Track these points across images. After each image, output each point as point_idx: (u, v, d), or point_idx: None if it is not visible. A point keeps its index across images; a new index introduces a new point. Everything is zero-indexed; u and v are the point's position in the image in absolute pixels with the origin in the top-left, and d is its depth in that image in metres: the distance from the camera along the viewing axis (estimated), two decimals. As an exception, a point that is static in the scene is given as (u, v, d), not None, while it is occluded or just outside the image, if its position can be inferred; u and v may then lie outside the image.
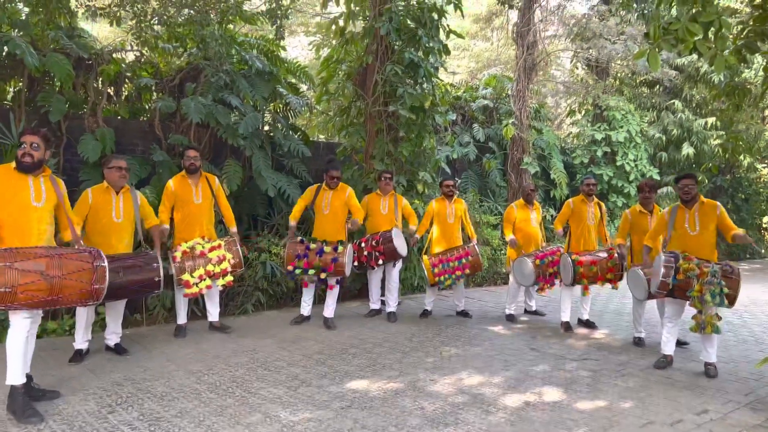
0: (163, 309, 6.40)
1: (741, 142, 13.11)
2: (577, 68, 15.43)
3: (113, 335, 5.19)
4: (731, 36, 4.39)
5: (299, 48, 17.89)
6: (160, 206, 5.76)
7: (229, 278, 5.78)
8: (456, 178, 10.91)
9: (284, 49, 9.19)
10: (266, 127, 8.54)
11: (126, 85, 7.79)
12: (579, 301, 6.79)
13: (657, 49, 3.47)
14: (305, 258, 6.11)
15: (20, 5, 6.87)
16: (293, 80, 9.29)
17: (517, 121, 11.41)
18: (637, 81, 15.16)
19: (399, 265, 6.96)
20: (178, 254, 5.51)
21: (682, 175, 5.15)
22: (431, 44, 7.94)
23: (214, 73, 7.50)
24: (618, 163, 13.00)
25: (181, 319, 5.88)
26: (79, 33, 7.10)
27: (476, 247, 6.86)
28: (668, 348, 5.15)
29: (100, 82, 7.21)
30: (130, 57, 7.90)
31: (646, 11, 12.82)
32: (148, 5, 7.50)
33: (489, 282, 9.92)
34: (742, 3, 12.06)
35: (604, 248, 6.48)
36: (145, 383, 4.38)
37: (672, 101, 14.24)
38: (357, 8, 8.11)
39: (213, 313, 6.06)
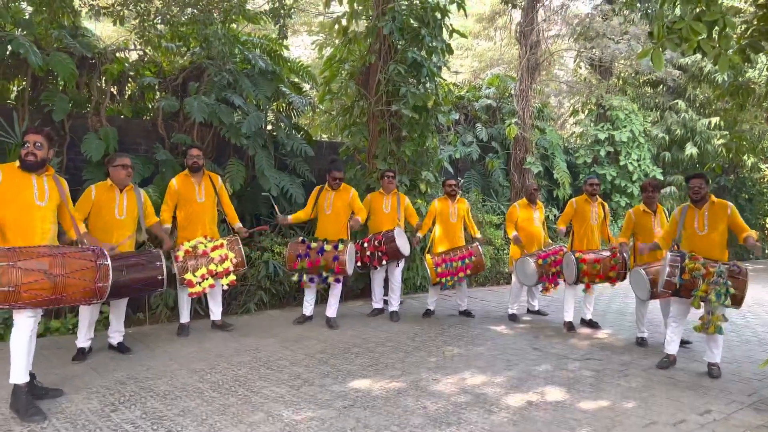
0: (166, 308, 6.41)
1: (745, 142, 13.06)
2: (581, 68, 15.41)
3: (116, 334, 5.20)
4: (735, 35, 4.39)
5: (302, 47, 17.89)
6: (163, 205, 5.77)
7: (232, 277, 5.79)
8: (459, 178, 10.91)
9: (287, 48, 9.19)
10: (269, 127, 8.54)
11: (129, 85, 7.80)
12: (582, 301, 6.78)
13: (661, 49, 3.47)
14: (307, 257, 6.11)
15: (24, 4, 6.89)
16: (296, 79, 9.30)
17: (520, 121, 11.40)
18: (641, 81, 15.12)
19: (402, 264, 6.96)
20: (180, 253, 5.52)
21: (692, 174, 5.12)
22: (434, 44, 7.93)
23: (217, 73, 7.51)
24: (621, 163, 12.98)
25: (184, 318, 5.89)
26: (83, 32, 7.11)
27: (479, 246, 6.86)
28: (672, 348, 5.14)
29: (103, 81, 7.22)
30: (134, 56, 7.91)
31: (649, 11, 12.80)
32: (151, 4, 7.51)
33: (492, 282, 9.91)
34: (746, 2, 12.02)
35: (607, 248, 6.47)
36: (148, 382, 4.38)
37: (675, 101, 14.20)
38: (360, 7, 8.11)
39: (216, 312, 6.07)
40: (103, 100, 7.02)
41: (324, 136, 11.58)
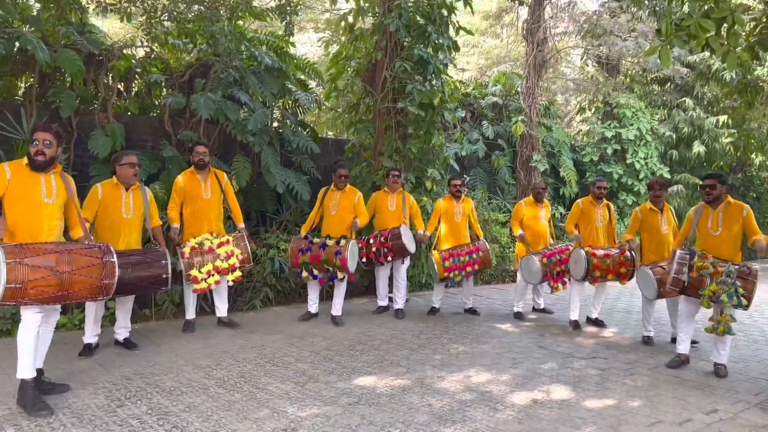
0: (172, 304, 6.43)
1: (753, 141, 12.95)
2: (588, 65, 15.33)
3: (122, 330, 5.23)
4: (744, 32, 4.35)
5: (308, 44, 17.89)
6: (170, 202, 5.79)
7: (238, 274, 5.80)
8: (464, 176, 10.89)
9: (293, 45, 9.19)
10: (275, 124, 8.55)
11: (136, 81, 7.82)
12: (589, 299, 6.76)
13: (669, 46, 3.44)
14: (309, 252, 6.13)
15: (32, 1, 6.92)
16: (302, 77, 9.30)
17: (526, 119, 11.36)
18: (648, 78, 15.03)
19: (407, 262, 6.95)
20: (186, 250, 5.54)
21: (705, 174, 5.08)
22: (440, 41, 7.91)
23: (223, 69, 7.51)
24: (628, 161, 12.92)
25: (190, 314, 5.91)
26: (90, 29, 7.13)
27: (486, 243, 6.85)
28: (683, 347, 5.11)
29: (110, 78, 7.24)
30: (141, 53, 7.94)
31: (657, 8, 12.71)
32: (158, 1, 7.52)
33: (497, 280, 9.90)
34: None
35: (614, 247, 6.44)
36: (153, 378, 4.40)
37: (683, 99, 14.11)
38: (366, 4, 8.10)
39: (221, 308, 6.08)
40: (110, 96, 7.04)
41: (330, 133, 11.58)
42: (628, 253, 6.15)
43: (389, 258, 6.52)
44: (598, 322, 6.65)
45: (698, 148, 13.40)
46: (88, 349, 4.95)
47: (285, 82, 8.34)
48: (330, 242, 6.15)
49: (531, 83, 11.41)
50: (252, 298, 7.02)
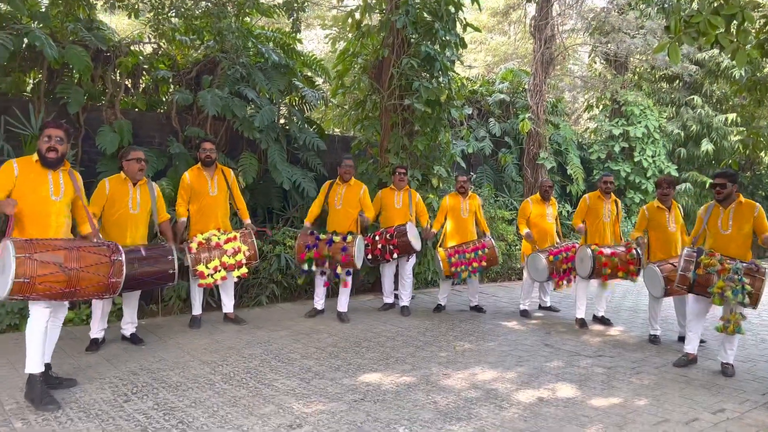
0: (179, 300, 6.46)
1: (762, 139, 12.86)
2: (595, 63, 15.25)
3: (129, 325, 5.25)
4: (754, 30, 4.32)
5: (315, 41, 17.90)
6: (178, 198, 5.81)
7: (244, 270, 5.81)
8: (471, 173, 10.86)
9: (300, 42, 9.19)
10: (282, 120, 8.56)
11: (143, 78, 7.84)
12: (594, 298, 6.74)
13: (677, 43, 3.42)
14: (315, 248, 6.13)
15: (40, -3, 6.95)
16: (309, 73, 9.30)
17: (533, 116, 11.32)
18: (657, 76, 14.94)
19: (413, 259, 6.95)
20: (193, 245, 5.56)
21: (716, 173, 5.04)
22: (448, 37, 7.88)
23: (230, 66, 7.52)
24: (636, 159, 12.86)
25: (196, 310, 5.93)
26: (98, 25, 7.15)
27: (492, 240, 6.83)
28: (690, 347, 5.09)
29: (118, 75, 7.26)
30: (148, 49, 7.96)
31: (666, 4, 12.63)
32: (165, -2, 7.54)
33: (503, 277, 9.87)
34: (765, -4, 11.83)
35: (620, 244, 6.42)
36: (160, 373, 4.42)
37: (691, 96, 14.02)
38: (373, 1, 8.08)
39: (228, 304, 6.10)
40: (118, 93, 7.07)
41: (336, 130, 11.57)
42: (634, 251, 6.12)
43: (395, 255, 6.52)
44: (604, 321, 6.63)
45: (706, 146, 13.31)
46: (95, 344, 4.97)
47: (292, 79, 8.34)
48: (337, 238, 6.16)
49: (538, 80, 11.36)
50: (258, 294, 7.03)
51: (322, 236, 6.22)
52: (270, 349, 5.16)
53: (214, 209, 5.78)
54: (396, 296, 7.11)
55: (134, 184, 5.04)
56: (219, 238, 5.64)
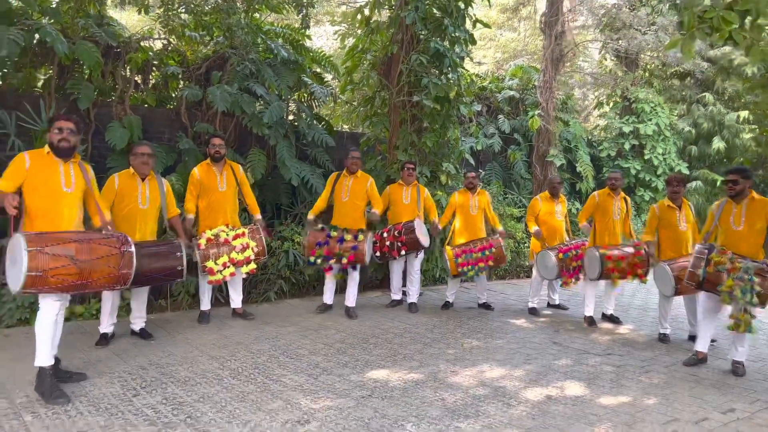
0: (187, 295, 6.48)
1: (774, 136, 12.76)
2: (606, 59, 15.15)
3: (138, 320, 5.28)
4: (768, 26, 4.26)
5: (324, 37, 17.88)
6: (187, 194, 5.81)
7: (253, 266, 5.82)
8: (480, 170, 10.83)
9: (309, 38, 9.18)
10: (290, 117, 8.56)
11: (153, 73, 7.86)
12: (603, 296, 6.70)
13: (691, 39, 3.38)
14: (326, 245, 6.12)
15: (51, -7, 6.97)
16: (318, 70, 9.29)
17: (543, 113, 11.25)
18: (668, 73, 14.82)
19: (421, 256, 6.93)
20: (202, 241, 5.57)
21: (729, 169, 5.00)
22: (457, 34, 7.85)
23: (240, 62, 7.53)
24: (646, 157, 12.77)
25: (205, 305, 5.95)
26: (108, 21, 7.17)
27: (501, 238, 6.81)
28: (701, 345, 5.05)
29: (127, 70, 7.28)
30: (158, 45, 7.97)
31: (678, 1, 12.51)
32: (175, -7, 7.55)
33: (511, 275, 9.84)
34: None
35: (629, 243, 6.37)
36: (168, 368, 4.44)
37: (703, 94, 13.90)
38: (383, -3, 8.06)
39: (236, 300, 6.12)
40: (128, 88, 7.08)
41: (345, 126, 11.57)
42: (643, 253, 6.07)
43: (402, 252, 6.51)
44: (613, 319, 6.60)
45: (718, 144, 13.20)
46: (105, 339, 5.00)
47: (301, 75, 8.34)
48: (348, 236, 6.15)
49: (548, 77, 11.29)
50: (266, 290, 7.05)
51: (333, 233, 6.21)
52: (278, 345, 5.17)
53: (223, 205, 5.79)
54: (404, 293, 7.11)
55: (143, 180, 5.06)
56: (227, 235, 5.65)
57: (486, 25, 8.76)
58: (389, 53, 7.94)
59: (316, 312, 6.45)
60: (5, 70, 6.23)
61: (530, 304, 7.01)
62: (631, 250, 6.17)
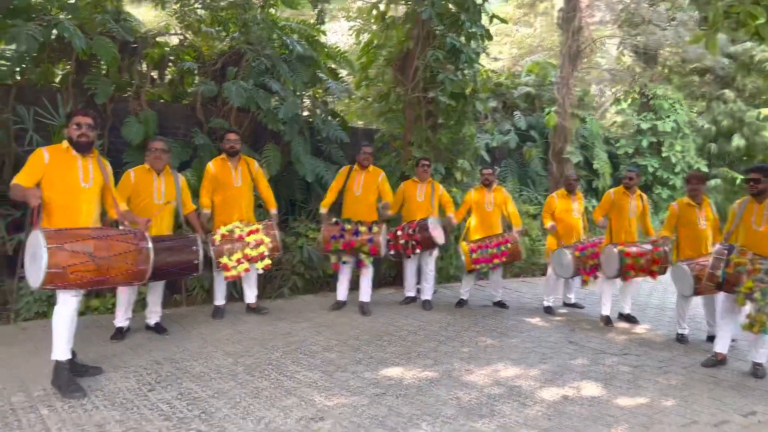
0: (202, 290, 6.51)
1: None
2: (624, 55, 14.97)
3: (153, 315, 5.30)
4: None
5: (339, 33, 17.83)
6: (201, 189, 5.82)
7: (267, 262, 5.82)
8: (495, 167, 10.75)
9: (325, 33, 9.17)
10: (305, 113, 8.55)
11: (169, 69, 7.89)
12: (620, 295, 6.63)
13: (715, 34, 3.31)
14: (342, 239, 6.11)
15: (69, -11, 7.01)
16: (333, 65, 9.27)
17: (560, 109, 11.14)
18: (687, 69, 14.62)
19: (435, 253, 6.89)
20: (217, 237, 5.58)
21: (750, 167, 4.90)
22: (473, 29, 7.78)
23: (255, 58, 7.53)
24: (664, 154, 12.62)
25: (219, 300, 5.97)
26: (125, 17, 7.21)
27: (517, 235, 6.75)
28: (720, 346, 4.96)
29: (144, 66, 7.32)
30: (174, 41, 8.00)
31: (699, -4, 12.31)
32: (191, -11, 7.57)
33: (526, 273, 9.77)
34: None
35: (647, 240, 6.29)
36: (183, 363, 4.45)
37: (723, 90, 13.70)
38: (398, -7, 8.01)
39: (250, 295, 6.13)
40: (144, 84, 7.12)
41: (360, 122, 11.54)
42: (661, 250, 5.99)
43: (417, 251, 6.46)
44: (630, 318, 6.52)
45: (738, 141, 13.00)
46: (120, 333, 5.03)
47: (316, 71, 8.33)
48: (363, 228, 6.14)
49: (565, 73, 11.16)
50: (281, 286, 7.06)
51: (348, 226, 6.20)
52: (292, 341, 5.17)
53: (238, 200, 5.80)
54: (418, 290, 7.08)
55: (158, 174, 5.07)
56: (242, 230, 5.66)
57: (503, 21, 8.68)
58: (405, 49, 7.89)
59: (330, 309, 6.44)
60: (24, 66, 6.28)
61: (545, 303, 6.94)
62: (649, 247, 6.08)
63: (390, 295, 7.49)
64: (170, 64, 7.81)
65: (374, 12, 8.16)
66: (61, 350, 3.79)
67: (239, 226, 5.68)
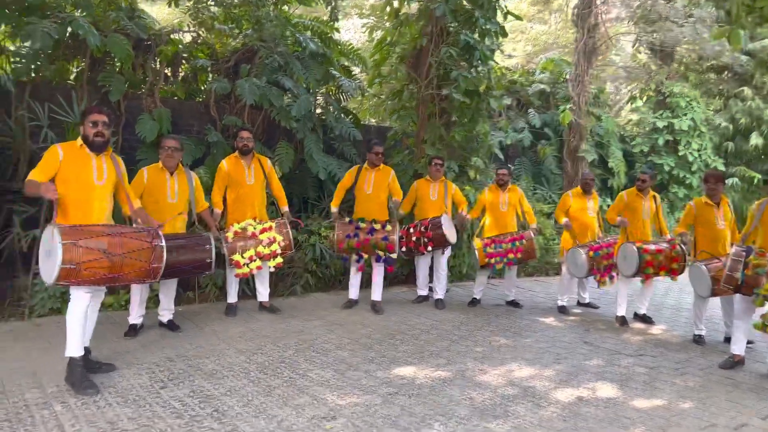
0: (215, 287, 6.51)
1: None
2: (640, 52, 14.79)
3: (166, 312, 5.31)
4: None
5: (352, 30, 17.80)
6: (214, 187, 5.82)
7: (279, 260, 5.81)
8: (509, 165, 10.67)
9: (338, 30, 9.13)
10: (318, 110, 8.53)
11: (183, 66, 7.90)
12: (636, 295, 6.54)
13: (738, 29, 3.23)
14: (356, 238, 6.09)
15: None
16: (346, 63, 9.24)
17: (574, 107, 11.01)
18: (705, 66, 14.40)
19: (448, 252, 6.85)
20: (230, 235, 5.58)
21: None
22: (488, 26, 7.70)
23: (268, 55, 7.52)
24: (680, 153, 12.45)
25: (232, 298, 5.97)
26: (139, 14, 7.22)
27: (532, 233, 6.69)
28: (737, 348, 4.88)
29: (158, 63, 7.33)
30: (187, 38, 8.00)
31: (716, -8, 12.14)
32: (205, -14, 7.56)
33: (540, 272, 9.69)
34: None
35: (663, 239, 6.21)
36: (196, 360, 4.45)
37: (741, 88, 13.47)
38: (412, -11, 7.95)
39: (263, 293, 6.12)
40: (158, 81, 7.13)
41: (373, 120, 11.51)
42: (679, 248, 5.90)
43: (429, 248, 6.42)
44: (646, 319, 6.44)
45: (756, 140, 12.79)
46: (133, 330, 5.05)
47: (329, 68, 8.30)
48: (377, 226, 6.12)
49: (580, 70, 11.03)
50: (293, 283, 7.05)
51: (362, 225, 6.18)
52: (304, 339, 5.15)
53: (251, 198, 5.79)
54: (430, 289, 7.04)
55: (171, 174, 5.07)
56: (254, 228, 5.65)
57: (517, 17, 8.60)
58: (418, 46, 7.83)
59: (342, 308, 6.41)
60: (39, 63, 6.31)
61: (560, 302, 6.88)
62: (666, 245, 6.00)
63: (402, 293, 7.46)
64: (184, 61, 7.81)
65: (387, 9, 8.10)
66: (74, 347, 3.80)
67: (252, 224, 5.67)
